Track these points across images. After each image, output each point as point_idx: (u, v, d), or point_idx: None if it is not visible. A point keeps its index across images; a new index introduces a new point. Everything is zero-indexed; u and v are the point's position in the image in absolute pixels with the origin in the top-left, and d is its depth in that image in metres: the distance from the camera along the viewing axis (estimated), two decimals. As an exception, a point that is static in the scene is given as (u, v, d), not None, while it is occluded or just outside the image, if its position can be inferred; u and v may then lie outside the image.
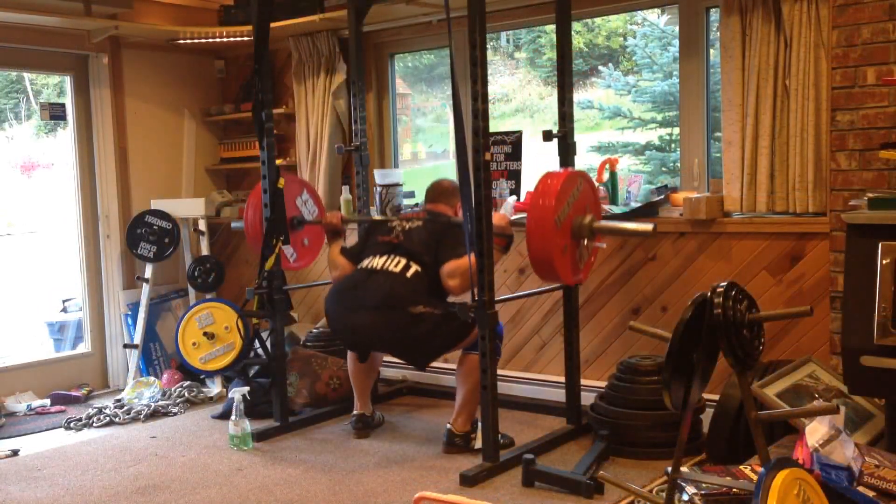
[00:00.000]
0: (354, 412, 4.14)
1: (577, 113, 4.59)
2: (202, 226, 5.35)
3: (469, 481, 3.40)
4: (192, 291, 5.40)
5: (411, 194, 5.17)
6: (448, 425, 3.83)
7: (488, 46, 3.58)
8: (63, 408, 4.86)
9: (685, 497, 2.71)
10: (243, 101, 5.61)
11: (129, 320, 5.35)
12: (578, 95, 5.34)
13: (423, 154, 5.82)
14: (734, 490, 2.67)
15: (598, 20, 5.51)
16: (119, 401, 4.83)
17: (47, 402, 4.92)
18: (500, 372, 3.90)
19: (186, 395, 4.88)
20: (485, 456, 3.54)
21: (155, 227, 5.25)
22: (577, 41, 5.63)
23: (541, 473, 3.36)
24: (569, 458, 3.65)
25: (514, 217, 4.31)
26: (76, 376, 5.29)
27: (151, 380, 5.02)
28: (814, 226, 3.67)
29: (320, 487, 3.46)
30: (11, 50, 4.94)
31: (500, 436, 3.67)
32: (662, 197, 4.20)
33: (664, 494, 2.60)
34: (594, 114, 5.55)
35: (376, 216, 4.40)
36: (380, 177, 5.01)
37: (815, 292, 3.69)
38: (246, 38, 5.21)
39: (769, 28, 3.72)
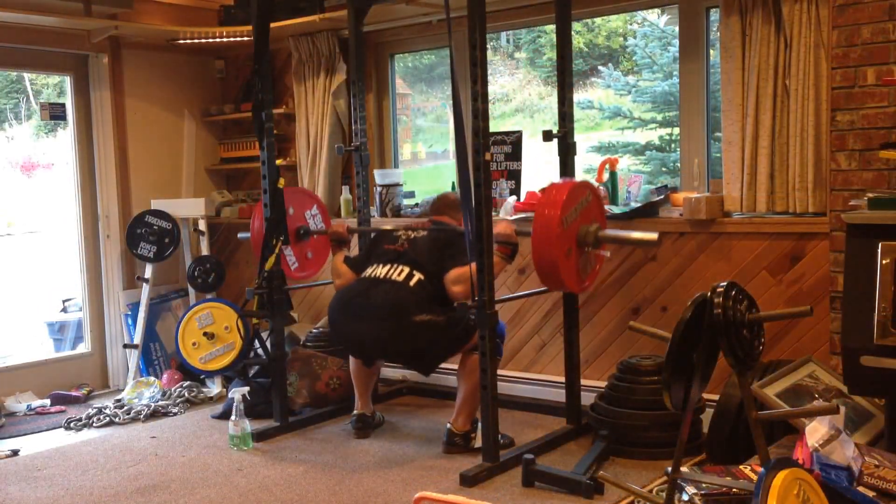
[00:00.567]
0: (355, 412, 4.14)
1: (577, 113, 4.59)
2: (202, 226, 5.35)
3: (469, 481, 3.40)
4: (192, 291, 5.40)
5: (411, 194, 5.17)
6: (448, 425, 3.83)
7: (488, 46, 3.58)
8: (63, 408, 4.86)
9: (685, 497, 2.71)
10: (243, 101, 5.61)
11: (129, 320, 5.35)
12: (578, 95, 5.34)
13: (423, 154, 5.82)
14: (734, 490, 2.67)
15: (598, 20, 5.51)
16: (119, 401, 4.83)
17: (47, 402, 4.92)
18: (500, 372, 3.90)
19: (186, 395, 4.88)
20: (485, 456, 3.53)
21: (155, 227, 5.25)
22: (577, 41, 5.63)
23: (541, 473, 3.36)
24: (569, 458, 3.65)
25: (514, 217, 4.32)
26: (76, 376, 5.29)
27: (151, 380, 5.02)
28: (814, 226, 3.67)
29: (320, 487, 3.46)
30: (11, 50, 4.94)
31: (500, 436, 3.67)
32: (662, 197, 4.19)
33: (664, 494, 2.60)
34: (594, 114, 5.55)
35: (383, 227, 4.41)
36: (380, 177, 5.02)
37: (815, 292, 3.69)
38: (246, 38, 5.21)
39: (769, 28, 3.72)
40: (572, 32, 3.97)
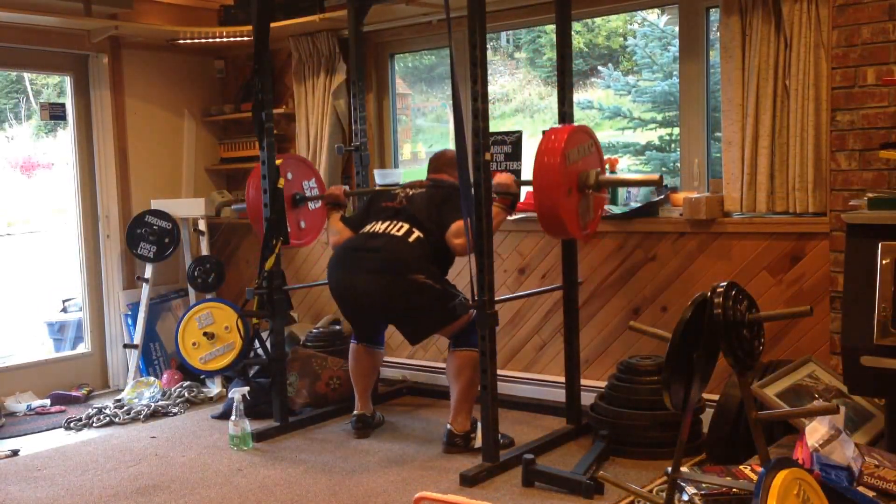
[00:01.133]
0: (355, 412, 4.14)
1: (577, 113, 4.59)
2: (202, 226, 5.35)
3: (469, 481, 3.40)
4: (192, 291, 5.40)
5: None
6: (448, 425, 3.83)
7: (488, 46, 3.58)
8: (63, 408, 4.86)
9: (685, 497, 2.71)
10: (243, 101, 5.61)
11: (129, 320, 5.35)
12: (578, 95, 5.34)
13: (423, 154, 5.81)
14: (734, 490, 2.67)
15: (598, 20, 5.51)
16: (119, 401, 4.83)
17: (47, 402, 4.92)
18: (500, 372, 3.90)
19: (186, 395, 4.88)
20: (485, 456, 3.54)
21: (155, 227, 5.25)
22: (577, 41, 5.63)
23: (541, 473, 3.36)
24: (569, 458, 3.65)
25: (514, 217, 4.31)
26: (76, 376, 5.29)
27: (151, 380, 5.02)
28: (814, 226, 3.67)
29: (320, 487, 3.46)
30: (11, 50, 4.94)
31: (500, 436, 3.67)
32: (662, 197, 4.19)
33: (664, 494, 2.60)
34: (594, 114, 5.54)
35: (378, 187, 4.36)
36: (380, 177, 5.01)
37: (815, 292, 3.69)
38: (246, 38, 5.21)
39: (769, 28, 3.72)
40: (572, 32, 3.97)
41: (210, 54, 5.82)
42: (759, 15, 3.72)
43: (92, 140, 5.35)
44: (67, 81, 5.33)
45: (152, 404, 4.73)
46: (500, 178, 3.69)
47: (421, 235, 3.77)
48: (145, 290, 5.24)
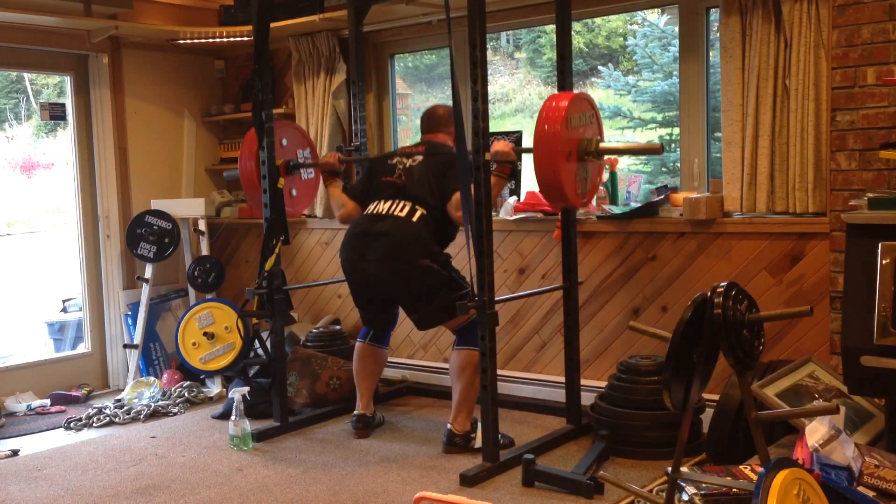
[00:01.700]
0: (355, 412, 4.14)
1: (577, 113, 4.57)
2: (202, 226, 5.35)
3: (469, 481, 3.40)
4: (192, 291, 5.40)
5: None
6: (448, 425, 3.83)
7: (488, 46, 3.58)
8: (63, 408, 4.86)
9: (685, 497, 2.71)
10: (243, 101, 5.61)
11: (129, 320, 5.35)
12: (578, 95, 5.33)
13: (423, 154, 5.81)
14: (734, 490, 2.67)
15: (598, 20, 5.52)
16: (119, 401, 4.83)
17: (47, 402, 4.92)
18: (500, 372, 3.90)
19: (186, 395, 4.88)
20: (485, 456, 3.54)
21: (155, 227, 5.25)
22: (577, 41, 5.63)
23: (541, 473, 3.36)
24: (569, 458, 3.65)
25: (514, 217, 4.31)
26: (76, 376, 5.29)
27: (151, 380, 5.02)
28: (814, 226, 3.67)
29: (320, 487, 3.46)
30: (11, 50, 4.94)
31: (500, 436, 3.67)
32: (662, 197, 4.19)
33: (664, 494, 2.60)
34: (594, 114, 5.54)
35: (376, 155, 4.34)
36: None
37: (815, 292, 3.69)
38: (246, 38, 5.21)
39: (769, 28, 3.72)
40: (572, 32, 3.97)
41: (210, 54, 5.82)
42: (759, 15, 3.72)
43: (92, 140, 5.35)
44: (67, 81, 5.33)
45: (152, 404, 4.73)
46: (498, 146, 3.68)
47: (424, 212, 3.80)
48: (145, 290, 5.24)
